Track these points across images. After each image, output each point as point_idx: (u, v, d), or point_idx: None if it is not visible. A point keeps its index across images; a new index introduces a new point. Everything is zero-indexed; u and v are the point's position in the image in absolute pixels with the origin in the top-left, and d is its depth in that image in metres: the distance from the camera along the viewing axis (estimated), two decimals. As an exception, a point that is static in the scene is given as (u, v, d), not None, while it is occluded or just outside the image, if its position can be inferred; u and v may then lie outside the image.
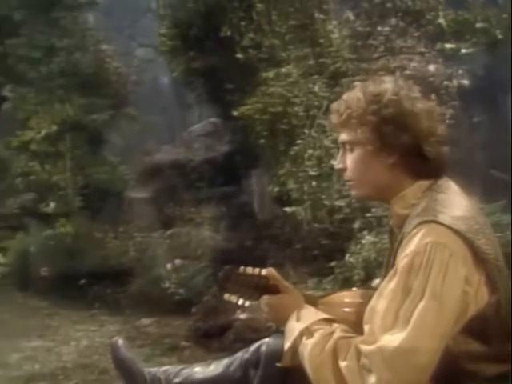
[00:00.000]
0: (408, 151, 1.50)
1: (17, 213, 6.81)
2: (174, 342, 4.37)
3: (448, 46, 4.09)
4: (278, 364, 1.61)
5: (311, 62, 4.06)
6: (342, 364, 1.38)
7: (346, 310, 1.67)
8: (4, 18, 6.40)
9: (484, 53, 4.51)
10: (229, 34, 4.45)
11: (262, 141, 4.12)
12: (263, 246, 5.35)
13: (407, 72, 4.79)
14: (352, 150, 1.56)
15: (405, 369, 1.33)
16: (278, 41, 4.18)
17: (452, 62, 4.78)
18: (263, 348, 2.00)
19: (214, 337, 4.21)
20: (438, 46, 4.22)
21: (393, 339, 1.34)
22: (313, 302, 1.69)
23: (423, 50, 4.37)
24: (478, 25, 3.88)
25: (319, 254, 4.44)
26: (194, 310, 4.43)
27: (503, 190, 4.73)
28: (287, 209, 3.86)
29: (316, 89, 3.84)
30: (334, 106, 1.61)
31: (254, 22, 4.34)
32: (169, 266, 5.43)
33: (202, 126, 7.05)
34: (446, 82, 4.87)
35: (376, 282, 3.01)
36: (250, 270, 1.67)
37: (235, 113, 4.22)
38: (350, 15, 4.94)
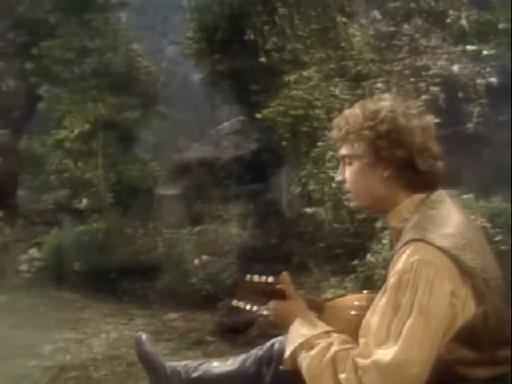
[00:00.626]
0: (402, 165, 1.57)
1: (52, 208, 7.02)
2: (199, 337, 4.47)
3: (469, 47, 4.11)
4: (280, 367, 1.70)
5: (333, 65, 4.12)
6: (341, 376, 1.47)
7: (354, 312, 1.73)
8: (40, 21, 6.60)
9: (507, 53, 4.50)
10: (252, 37, 4.55)
11: (285, 143, 4.21)
12: (289, 244, 5.43)
13: (432, 72, 4.81)
14: (350, 164, 1.64)
15: (398, 380, 1.41)
16: (300, 44, 4.26)
17: (477, 61, 4.79)
18: (276, 346, 2.10)
19: (239, 332, 4.30)
20: (460, 47, 4.24)
21: (386, 353, 1.42)
22: (319, 306, 1.78)
23: (447, 50, 4.39)
24: (501, 25, 3.89)
25: (342, 252, 4.49)
26: (219, 305, 4.51)
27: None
28: (308, 209, 3.95)
29: (337, 92, 3.91)
30: (336, 121, 1.69)
31: (277, 25, 4.42)
32: (196, 261, 5.53)
33: (231, 124, 7.14)
34: (473, 81, 4.88)
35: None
36: (256, 277, 1.75)
37: (258, 115, 4.31)
38: (377, 14, 4.97)
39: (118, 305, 5.39)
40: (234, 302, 1.76)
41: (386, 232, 3.96)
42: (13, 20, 7.18)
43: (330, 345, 1.54)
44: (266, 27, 4.49)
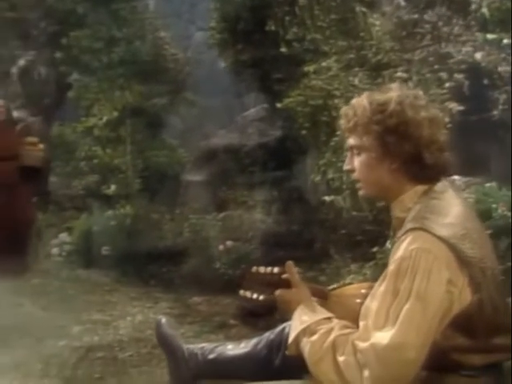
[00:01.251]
0: (409, 158, 1.61)
1: (81, 194, 7.18)
2: (222, 320, 4.55)
3: (490, 36, 4.09)
4: (286, 352, 1.78)
5: (352, 55, 4.14)
6: (340, 359, 1.52)
7: (358, 301, 1.77)
8: (69, 11, 6.73)
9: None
10: (273, 28, 4.59)
11: (305, 132, 4.26)
12: (311, 230, 5.47)
13: (455, 59, 4.79)
14: (359, 154, 1.68)
15: (394, 363, 1.46)
16: (319, 35, 4.28)
17: (501, 49, 4.76)
18: (286, 330, 2.17)
19: (260, 316, 4.39)
20: (481, 36, 4.22)
21: (383, 337, 1.47)
22: (325, 295, 1.86)
23: (470, 38, 4.37)
24: (523, 14, 3.87)
25: (363, 239, 4.53)
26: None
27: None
28: (326, 198, 4.01)
29: (356, 81, 3.94)
30: (343, 110, 1.72)
31: (298, 16, 4.45)
32: (221, 247, 5.60)
33: (256, 112, 7.18)
34: (498, 68, 4.85)
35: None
36: (262, 268, 1.83)
37: (279, 105, 4.37)
38: (401, 1, 4.96)
39: (144, 288, 5.48)
40: (241, 292, 1.84)
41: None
42: (44, 10, 7.33)
43: (330, 330, 1.60)
44: (287, 18, 4.52)
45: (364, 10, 4.28)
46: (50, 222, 6.98)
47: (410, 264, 1.49)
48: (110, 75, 6.64)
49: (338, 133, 3.86)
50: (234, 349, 2.35)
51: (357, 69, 4.12)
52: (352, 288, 1.96)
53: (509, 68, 4.96)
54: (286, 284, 1.75)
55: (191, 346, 2.45)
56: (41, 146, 6.14)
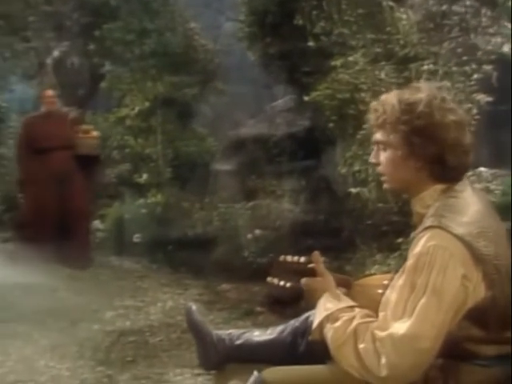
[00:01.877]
0: (434, 159, 1.66)
1: (114, 182, 7.33)
2: (250, 307, 4.64)
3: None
4: (309, 337, 1.88)
5: (379, 49, 4.17)
6: (360, 346, 1.61)
7: (380, 291, 1.82)
8: (102, 4, 6.86)
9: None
10: (301, 22, 4.64)
11: (332, 124, 4.32)
12: (338, 220, 5.52)
13: (483, 51, 4.80)
14: (385, 150, 1.72)
15: (410, 352, 1.54)
16: (346, 29, 4.33)
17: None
18: (310, 318, 2.26)
19: (287, 304, 4.48)
20: (509, 27, 4.22)
21: (400, 327, 1.55)
22: (348, 284, 1.94)
23: (497, 30, 4.38)
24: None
25: (388, 230, 4.58)
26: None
27: None
28: (352, 190, 4.07)
29: (383, 75, 3.98)
30: (373, 105, 1.75)
31: (325, 10, 4.49)
32: (249, 235, 5.71)
33: (284, 102, 7.23)
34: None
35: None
36: (289, 258, 1.91)
37: (306, 98, 4.43)
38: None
39: (174, 275, 5.61)
40: (269, 279, 1.93)
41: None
42: (78, 3, 7.48)
43: (352, 318, 1.68)
44: (314, 12, 4.57)
45: (391, 3, 4.31)
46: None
47: (427, 260, 1.56)
48: (141, 66, 6.74)
49: (365, 126, 3.92)
50: (260, 335, 2.43)
51: (383, 63, 4.15)
52: (375, 279, 2.03)
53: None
54: (312, 273, 1.83)
55: (219, 332, 2.53)
56: (94, 133, 6.07)
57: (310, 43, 4.60)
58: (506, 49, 4.46)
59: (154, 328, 4.34)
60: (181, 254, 5.85)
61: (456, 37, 4.66)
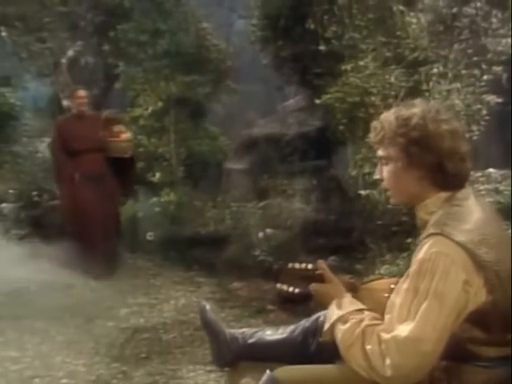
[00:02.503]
0: (433, 168, 1.74)
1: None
2: (261, 305, 4.70)
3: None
4: (319, 339, 1.95)
5: (389, 53, 4.22)
6: (368, 347, 1.69)
7: (386, 295, 1.89)
8: (116, 5, 6.94)
9: None
10: (312, 26, 4.69)
11: (342, 127, 4.38)
12: (349, 220, 5.57)
13: (493, 51, 4.83)
14: (387, 164, 1.82)
15: (413, 354, 1.62)
16: (357, 34, 4.38)
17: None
18: (321, 319, 2.33)
19: (298, 302, 4.53)
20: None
21: (404, 330, 1.63)
22: (355, 288, 2.01)
23: (507, 32, 4.41)
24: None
25: (398, 230, 4.63)
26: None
27: None
28: (362, 192, 4.13)
29: (392, 79, 4.04)
30: (373, 124, 1.86)
31: (336, 15, 4.55)
32: (260, 234, 5.75)
33: (296, 102, 7.28)
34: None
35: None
36: (297, 265, 2.00)
37: (318, 101, 4.50)
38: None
39: (186, 273, 5.66)
40: (278, 286, 2.02)
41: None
42: (93, 4, 7.56)
43: (361, 320, 1.76)
44: (326, 17, 4.63)
45: (401, 8, 4.36)
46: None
47: (430, 266, 1.64)
48: (155, 66, 6.82)
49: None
50: (272, 334, 2.50)
51: (393, 66, 4.21)
52: (381, 283, 2.10)
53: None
54: (320, 279, 1.92)
55: (232, 331, 2.61)
56: (126, 135, 5.85)
57: (322, 47, 4.65)
58: (516, 51, 4.50)
59: (168, 325, 4.40)
60: (193, 252, 5.90)
61: (466, 39, 4.70)
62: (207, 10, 7.89)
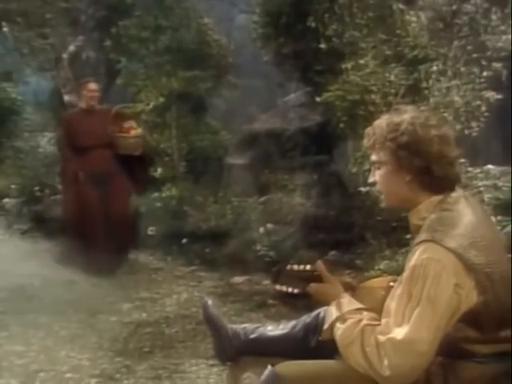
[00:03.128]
0: (421, 171, 1.81)
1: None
2: (262, 300, 4.73)
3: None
4: (319, 337, 2.00)
5: (389, 51, 4.26)
6: (366, 349, 1.75)
7: (383, 293, 1.97)
8: (118, 1, 6.97)
9: None
10: (313, 25, 4.72)
11: (342, 125, 4.42)
12: (349, 215, 5.61)
13: (493, 47, 4.86)
14: (379, 168, 1.90)
15: (409, 355, 1.68)
16: (357, 32, 4.42)
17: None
18: (321, 315, 2.38)
19: (299, 297, 4.57)
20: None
21: (399, 332, 1.70)
22: (352, 287, 2.07)
23: (507, 29, 4.44)
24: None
25: (398, 225, 4.67)
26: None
27: None
28: (362, 189, 4.18)
29: (392, 77, 4.07)
30: (367, 130, 1.93)
31: (337, 13, 4.58)
32: (261, 229, 5.81)
33: (297, 97, 7.30)
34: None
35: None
36: (296, 266, 2.07)
37: (318, 99, 4.54)
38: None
39: (188, 268, 5.69)
40: (278, 287, 2.08)
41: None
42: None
43: (360, 320, 1.82)
44: (327, 15, 4.66)
45: (401, 6, 4.40)
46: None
47: (422, 271, 1.70)
48: (156, 62, 6.84)
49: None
50: (273, 330, 2.54)
51: (393, 64, 4.24)
52: (378, 281, 2.15)
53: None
54: (319, 279, 1.98)
55: (234, 326, 2.65)
56: (136, 131, 5.60)
57: (322, 45, 4.69)
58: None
59: (170, 319, 4.44)
60: (195, 246, 5.94)
61: (466, 36, 4.73)
62: (208, 4, 7.92)
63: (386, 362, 1.70)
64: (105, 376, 3.54)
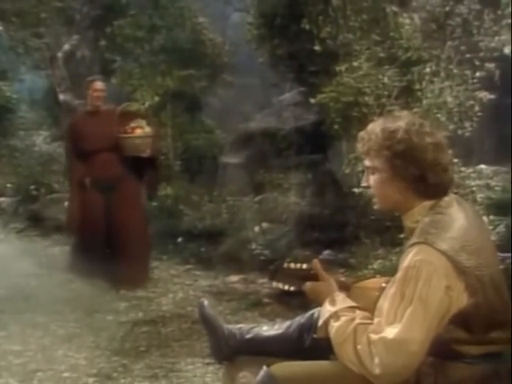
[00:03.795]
0: (416, 179, 1.84)
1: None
2: (257, 299, 4.77)
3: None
4: (314, 335, 2.05)
5: (382, 54, 4.30)
6: (358, 347, 1.79)
7: (377, 293, 1.99)
8: (113, 1, 6.98)
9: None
10: (307, 27, 4.76)
11: (336, 126, 4.47)
12: (343, 214, 5.65)
13: (486, 47, 4.91)
14: (373, 173, 1.92)
15: (399, 354, 1.72)
16: (351, 34, 4.46)
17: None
18: (315, 315, 2.42)
19: (294, 295, 4.60)
20: (505, 29, 4.33)
21: (391, 332, 1.74)
22: (346, 287, 2.11)
23: (499, 31, 4.49)
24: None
25: (392, 225, 4.71)
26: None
27: None
28: (355, 189, 4.22)
29: (386, 80, 4.12)
30: (360, 134, 1.94)
31: (331, 16, 4.62)
32: (256, 228, 5.84)
33: (291, 96, 7.34)
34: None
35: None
36: (292, 264, 2.12)
37: (313, 100, 4.58)
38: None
39: (183, 266, 5.71)
40: (275, 284, 2.13)
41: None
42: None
43: (353, 319, 1.86)
44: (321, 17, 4.70)
45: (395, 9, 4.44)
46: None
47: (414, 273, 1.74)
48: (151, 62, 6.87)
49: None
50: (268, 330, 2.58)
51: (387, 66, 4.29)
52: (372, 282, 2.19)
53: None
54: (314, 278, 2.02)
55: (230, 326, 2.68)
56: (143, 130, 5.11)
57: (317, 47, 4.72)
58: (507, 50, 4.58)
59: (166, 319, 4.47)
60: (190, 245, 5.96)
61: (459, 37, 4.78)
62: (202, 3, 7.94)
63: (376, 361, 1.74)
64: (102, 375, 3.57)
